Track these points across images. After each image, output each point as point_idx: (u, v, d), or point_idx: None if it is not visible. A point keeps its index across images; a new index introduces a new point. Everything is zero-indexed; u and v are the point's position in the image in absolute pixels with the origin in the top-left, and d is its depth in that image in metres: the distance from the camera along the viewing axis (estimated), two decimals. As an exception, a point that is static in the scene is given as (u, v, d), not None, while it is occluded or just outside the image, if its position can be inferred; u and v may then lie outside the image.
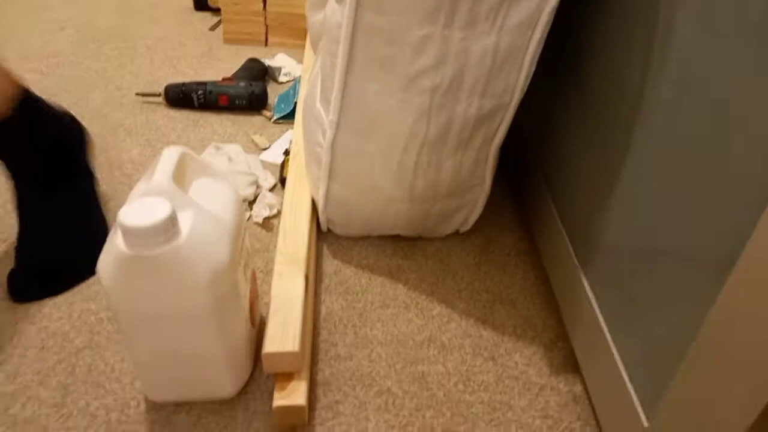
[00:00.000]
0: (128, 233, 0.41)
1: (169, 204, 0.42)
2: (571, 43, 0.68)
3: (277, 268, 0.61)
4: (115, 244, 0.42)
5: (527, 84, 0.63)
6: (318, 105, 0.70)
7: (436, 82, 0.60)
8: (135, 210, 0.42)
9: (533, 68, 0.62)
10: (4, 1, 1.36)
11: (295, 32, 1.29)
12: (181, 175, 0.50)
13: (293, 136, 0.91)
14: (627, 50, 0.56)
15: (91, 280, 0.69)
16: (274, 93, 1.11)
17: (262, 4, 1.26)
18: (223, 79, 1.07)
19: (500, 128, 0.66)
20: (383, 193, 0.69)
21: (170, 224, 0.42)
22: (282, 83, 1.17)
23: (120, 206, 0.43)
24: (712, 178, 0.42)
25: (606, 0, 0.60)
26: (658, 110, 0.50)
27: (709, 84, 0.43)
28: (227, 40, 1.30)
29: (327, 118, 0.66)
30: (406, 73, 0.60)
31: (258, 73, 1.13)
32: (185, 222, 0.45)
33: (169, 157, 0.49)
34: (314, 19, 0.92)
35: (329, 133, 0.66)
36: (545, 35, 0.59)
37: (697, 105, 0.45)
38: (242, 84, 1.04)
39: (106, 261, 0.44)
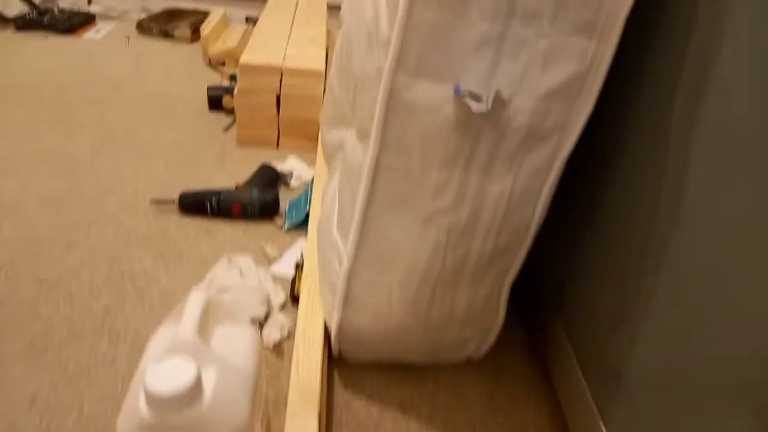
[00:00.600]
0: (154, 400, 0.41)
1: (195, 366, 0.42)
2: (586, 176, 0.70)
3: (291, 407, 0.60)
4: (138, 409, 0.42)
5: (542, 221, 0.65)
6: (335, 232, 0.72)
7: (453, 221, 0.62)
8: (161, 373, 0.41)
9: (547, 206, 0.64)
10: (26, 99, 1.41)
11: (306, 135, 1.33)
12: (204, 322, 0.50)
13: (305, 251, 0.92)
14: (641, 186, 0.58)
15: None
16: (285, 198, 1.13)
17: (275, 110, 1.31)
18: (237, 187, 1.10)
19: (515, 263, 0.68)
20: (398, 322, 0.69)
21: (196, 389, 0.42)
22: (293, 188, 1.20)
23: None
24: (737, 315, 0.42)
25: (618, 142, 0.63)
26: (672, 245, 0.51)
27: (721, 222, 0.45)
28: (240, 143, 1.34)
29: (344, 249, 0.68)
30: (424, 211, 0.62)
31: (270, 180, 1.16)
32: (208, 380, 0.44)
33: (194, 304, 0.50)
34: (329, 136, 0.95)
35: (346, 265, 0.67)
36: (559, 177, 0.62)
37: (710, 242, 0.46)
38: (255, 192, 1.07)
39: (127, 424, 0.43)
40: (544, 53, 0.53)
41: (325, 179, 1.02)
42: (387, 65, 0.55)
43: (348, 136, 0.73)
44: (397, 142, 0.59)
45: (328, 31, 1.67)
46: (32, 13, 1.95)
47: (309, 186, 1.14)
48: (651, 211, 0.55)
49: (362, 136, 0.63)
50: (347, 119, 0.83)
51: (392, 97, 0.56)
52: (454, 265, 0.64)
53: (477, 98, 0.54)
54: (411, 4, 0.52)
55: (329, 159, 0.98)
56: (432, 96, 0.56)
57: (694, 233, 0.49)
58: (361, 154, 0.63)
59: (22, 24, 1.87)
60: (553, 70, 0.54)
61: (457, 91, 0.54)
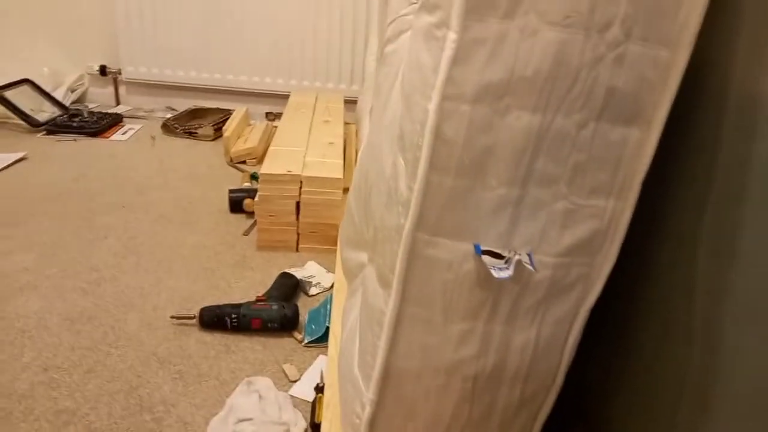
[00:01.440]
0: None
1: None
2: (616, 309, 0.69)
3: None
4: None
5: (568, 365, 0.63)
6: (356, 371, 0.71)
7: (479, 370, 0.60)
8: None
9: (575, 351, 0.63)
10: (54, 208, 1.46)
11: (325, 239, 1.35)
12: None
13: (325, 374, 0.91)
14: (674, 320, 0.56)
15: None
16: (304, 306, 1.13)
17: (295, 216, 1.33)
18: (257, 300, 1.10)
19: (544, 407, 0.66)
20: (423, 469, 0.67)
21: None
22: (312, 296, 1.19)
23: None
24: None
25: (646, 273, 0.62)
26: (708, 377, 0.49)
27: (755, 372, 0.43)
28: (260, 247, 1.35)
29: (366, 393, 0.66)
30: (448, 361, 0.61)
31: (289, 290, 1.16)
32: None
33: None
34: (349, 255, 0.96)
35: (368, 411, 0.66)
36: (584, 325, 0.61)
37: (745, 378, 0.44)
38: (275, 307, 1.07)
39: None
40: (563, 213, 0.54)
41: (345, 295, 1.02)
42: (407, 225, 0.56)
43: (369, 274, 0.73)
44: (419, 294, 0.59)
45: (346, 124, 1.72)
46: (63, 116, 2.04)
47: (329, 298, 1.14)
48: (684, 340, 0.54)
49: (384, 283, 0.63)
50: (366, 244, 0.84)
51: (413, 253, 0.57)
52: (481, 414, 0.63)
53: (498, 256, 0.54)
54: (429, 171, 0.53)
55: (349, 277, 0.98)
56: (452, 253, 0.56)
57: (729, 366, 0.47)
58: (382, 302, 0.63)
59: (53, 127, 1.96)
60: (573, 229, 0.55)
61: (477, 250, 0.54)
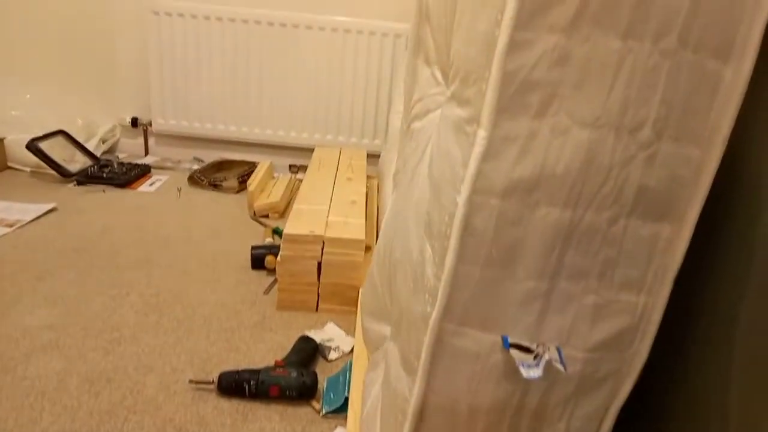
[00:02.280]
0: None
1: None
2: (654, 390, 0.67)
3: None
4: None
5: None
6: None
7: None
8: None
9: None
10: (79, 261, 1.48)
11: (345, 300, 1.34)
12: None
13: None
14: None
15: None
16: (323, 371, 1.11)
17: (316, 276, 1.33)
18: (276, 365, 1.09)
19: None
20: None
21: None
22: (332, 361, 1.18)
23: None
24: None
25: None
26: None
27: None
28: (280, 307, 1.35)
29: (388, 483, 0.64)
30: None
31: (308, 355, 1.15)
32: None
33: None
34: (371, 326, 0.95)
35: (390, 502, 0.64)
36: (614, 421, 0.59)
37: None
38: (293, 374, 1.05)
39: None
40: (593, 308, 0.53)
41: (365, 363, 1.00)
42: (434, 314, 0.55)
43: (392, 352, 0.72)
44: (444, 384, 0.58)
45: (368, 178, 1.74)
46: (93, 167, 2.10)
47: (348, 365, 1.12)
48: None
49: (408, 368, 0.62)
50: (389, 317, 0.83)
51: (439, 342, 0.56)
52: None
53: (526, 350, 0.53)
54: (457, 262, 0.53)
55: (370, 346, 0.97)
56: (479, 344, 0.55)
57: None
58: (406, 388, 0.62)
59: (84, 178, 2.01)
60: (603, 323, 0.53)
61: (505, 343, 0.53)
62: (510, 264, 0.52)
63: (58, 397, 1.00)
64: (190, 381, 1.06)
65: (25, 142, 1.98)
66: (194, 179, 2.10)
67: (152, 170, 2.22)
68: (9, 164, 2.10)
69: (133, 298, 1.34)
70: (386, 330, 0.85)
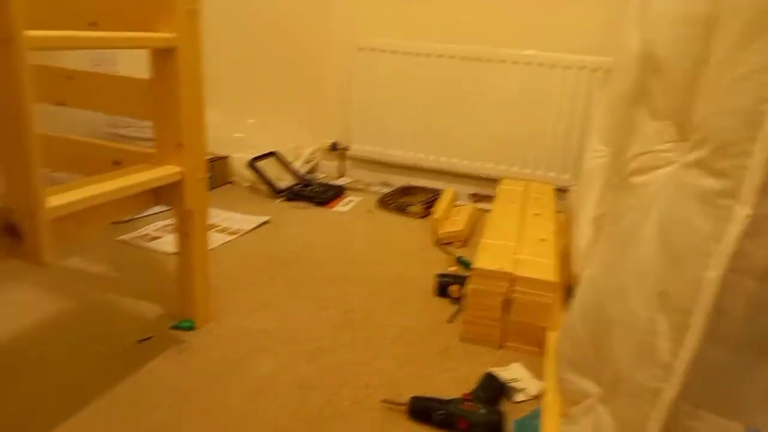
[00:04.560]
0: None
1: None
2: None
3: None
4: None
5: None
6: None
7: None
8: None
9: None
10: (286, 272, 1.66)
11: (532, 341, 1.32)
12: None
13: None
14: None
15: None
16: (509, 413, 1.11)
17: (501, 313, 1.33)
18: (464, 399, 1.11)
19: None
20: None
21: None
22: (518, 403, 1.17)
23: None
24: None
25: None
26: None
27: None
28: (464, 339, 1.37)
29: None
30: None
31: (495, 394, 1.15)
32: None
33: None
34: (569, 377, 0.93)
35: None
36: None
37: None
38: (482, 410, 1.07)
39: None
40: None
41: (557, 415, 0.98)
42: (669, 393, 0.52)
43: (604, 418, 0.69)
44: (673, 465, 0.55)
45: (557, 212, 1.70)
46: (298, 185, 2.34)
47: (537, 411, 1.10)
48: None
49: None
50: (594, 374, 0.81)
51: (672, 422, 0.53)
52: None
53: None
54: (702, 342, 0.50)
55: (567, 399, 0.95)
56: (718, 430, 0.51)
57: None
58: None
59: (290, 195, 2.25)
60: None
61: (753, 435, 0.49)
62: (765, 349, 0.48)
63: (272, 397, 1.13)
64: (383, 400, 1.13)
65: (246, 161, 2.28)
66: (383, 202, 2.23)
67: (346, 191, 2.40)
68: (230, 179, 2.43)
69: (331, 312, 1.47)
70: (590, 387, 0.82)
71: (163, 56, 1.06)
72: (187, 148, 1.13)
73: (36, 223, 0.82)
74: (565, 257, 1.63)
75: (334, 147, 2.56)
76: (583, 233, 1.39)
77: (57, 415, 1.02)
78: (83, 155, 1.24)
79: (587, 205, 1.43)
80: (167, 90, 1.07)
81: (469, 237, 1.99)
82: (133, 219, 1.92)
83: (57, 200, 0.85)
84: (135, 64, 1.19)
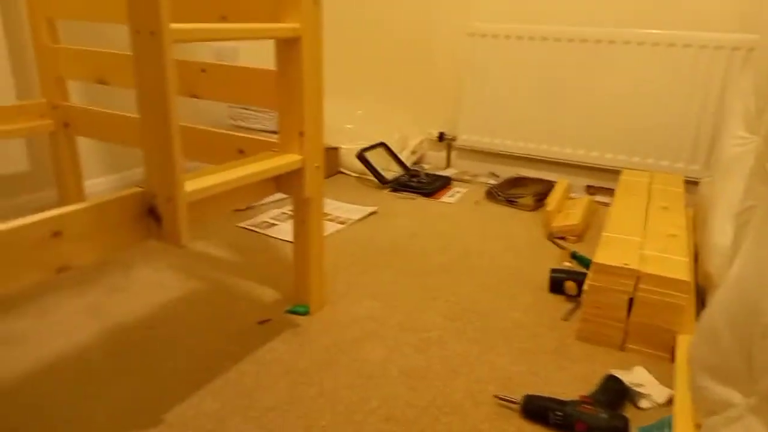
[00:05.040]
0: None
1: None
2: None
3: None
4: None
5: None
6: None
7: None
8: None
9: None
10: (393, 261, 1.66)
11: (658, 344, 1.22)
12: None
13: None
14: None
15: None
16: (632, 420, 1.03)
17: (625, 312, 1.25)
18: (582, 401, 1.05)
19: None
20: None
21: None
22: (643, 409, 1.09)
23: None
24: None
25: None
26: None
27: None
28: (581, 338, 1.30)
29: None
30: None
31: (617, 397, 1.08)
32: None
33: None
34: (708, 386, 0.84)
35: None
36: None
37: None
38: (603, 415, 1.00)
39: None
40: None
41: (690, 426, 0.90)
42: None
43: (755, 428, 0.62)
44: None
45: (688, 210, 1.56)
46: (405, 175, 2.34)
47: (666, 420, 1.02)
48: None
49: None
50: (743, 383, 0.73)
51: None
52: None
53: None
54: None
55: (702, 409, 0.86)
56: None
57: None
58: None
59: (397, 186, 2.26)
60: None
61: None
62: None
63: (381, 384, 1.14)
64: (496, 396, 1.10)
65: (355, 152, 2.32)
66: (491, 194, 2.18)
67: (452, 182, 2.37)
68: (340, 169, 2.48)
69: (439, 303, 1.45)
70: (735, 397, 0.74)
71: (288, 46, 1.09)
72: (308, 136, 1.16)
73: (174, 206, 0.87)
74: (696, 255, 1.49)
75: (441, 137, 2.53)
76: (721, 229, 1.26)
77: (187, 387, 1.10)
78: (211, 144, 1.31)
79: (726, 197, 1.30)
80: (291, 79, 1.10)
81: (584, 231, 1.88)
82: (251, 207, 2.02)
83: (192, 185, 0.91)
84: (255, 59, 1.24)
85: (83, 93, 1.86)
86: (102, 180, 1.97)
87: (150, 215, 0.90)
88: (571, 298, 1.47)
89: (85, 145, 1.89)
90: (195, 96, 1.32)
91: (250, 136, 1.28)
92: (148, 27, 0.80)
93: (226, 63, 1.27)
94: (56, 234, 0.78)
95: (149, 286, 1.46)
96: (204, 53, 2.22)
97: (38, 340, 1.21)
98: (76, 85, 1.82)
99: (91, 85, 1.87)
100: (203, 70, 1.29)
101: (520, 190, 2.19)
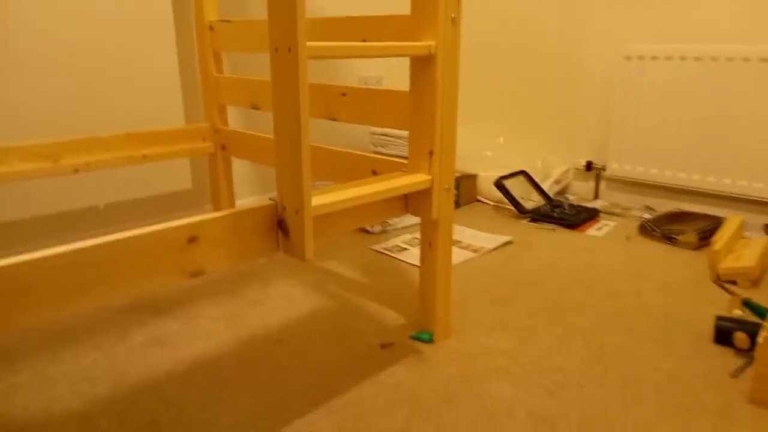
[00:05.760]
0: None
1: None
2: None
3: None
4: None
5: None
6: None
7: None
8: None
9: None
10: (528, 295, 1.55)
11: None
12: None
13: None
14: None
15: None
16: None
17: (815, 375, 1.02)
18: (753, 477, 0.87)
19: None
20: None
21: None
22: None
23: None
24: None
25: None
26: None
27: None
28: (753, 400, 1.09)
29: None
30: None
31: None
32: None
33: None
34: None
35: None
36: None
37: None
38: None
39: None
40: None
41: None
42: None
43: None
44: None
45: None
46: (546, 205, 2.21)
47: None
48: None
49: None
50: None
51: None
52: None
53: None
54: None
55: None
56: None
57: None
58: None
59: (537, 216, 2.14)
60: None
61: None
62: None
63: (506, 426, 1.04)
64: (640, 457, 0.95)
65: (494, 180, 2.24)
66: (646, 229, 1.97)
67: (600, 214, 2.19)
68: (477, 197, 2.42)
69: (578, 344, 1.31)
70: None
71: (422, 64, 1.08)
72: (438, 156, 1.13)
73: (301, 219, 0.88)
74: None
75: (588, 166, 2.36)
76: None
77: (306, 403, 1.10)
78: (346, 165, 1.34)
79: None
80: (424, 97, 1.09)
81: (760, 276, 1.61)
82: (385, 231, 2.04)
83: (319, 200, 0.92)
84: (399, 85, 1.24)
85: (239, 118, 2.03)
86: (252, 199, 2.11)
87: (279, 227, 0.93)
88: (741, 351, 1.25)
89: (239, 166, 2.05)
90: (333, 118, 1.36)
91: (383, 158, 1.28)
92: (286, 44, 0.83)
93: (364, 87, 1.30)
94: (192, 239, 0.82)
95: (283, 300, 1.52)
96: (350, 83, 2.32)
97: (182, 343, 1.30)
98: (233, 110, 2.00)
99: (246, 111, 2.03)
100: (343, 94, 1.33)
101: (681, 225, 1.95)
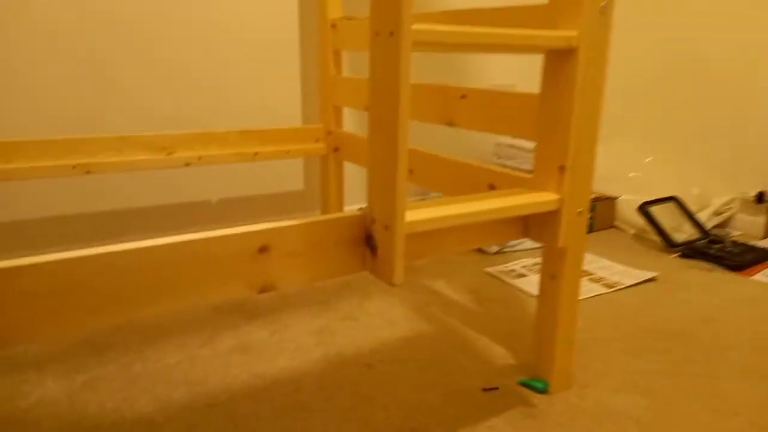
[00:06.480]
0: None
1: None
2: None
3: None
4: None
5: None
6: None
7: None
8: None
9: None
10: (674, 347, 1.27)
11: None
12: None
13: None
14: None
15: None
16: None
17: None
18: None
19: None
20: None
21: None
22: None
23: None
24: None
25: None
26: None
27: None
28: None
29: None
30: None
31: None
32: None
33: None
34: None
35: None
36: None
37: None
38: None
39: None
40: None
41: None
42: None
43: None
44: None
45: None
46: (702, 240, 1.86)
47: None
48: None
49: None
50: None
51: None
52: None
53: None
54: None
55: None
56: None
57: None
58: None
59: (689, 251, 1.81)
60: None
61: None
62: None
63: None
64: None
65: (637, 204, 1.94)
66: (837, 281, 1.56)
67: (773, 257, 1.80)
68: (614, 223, 2.12)
69: (738, 420, 1.03)
70: None
71: (559, 59, 0.89)
72: (571, 173, 0.92)
73: (391, 236, 0.74)
74: None
75: (759, 198, 1.96)
76: None
77: (387, 447, 0.95)
78: (459, 176, 1.17)
79: None
80: (558, 100, 0.89)
81: None
82: (502, 251, 1.83)
83: (414, 215, 0.76)
84: (535, 88, 1.06)
85: (355, 120, 1.94)
86: (361, 206, 2.02)
87: (367, 244, 0.79)
88: None
89: (352, 171, 1.97)
90: (451, 124, 1.21)
91: (505, 170, 1.10)
92: (388, 27, 0.69)
93: (487, 89, 1.13)
94: (263, 249, 0.71)
95: (379, 319, 1.38)
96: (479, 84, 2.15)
97: (266, 354, 1.21)
98: (350, 112, 1.91)
99: (362, 114, 1.94)
100: (463, 96, 1.17)
101: None
